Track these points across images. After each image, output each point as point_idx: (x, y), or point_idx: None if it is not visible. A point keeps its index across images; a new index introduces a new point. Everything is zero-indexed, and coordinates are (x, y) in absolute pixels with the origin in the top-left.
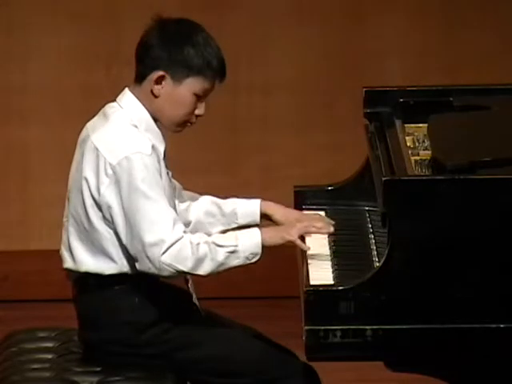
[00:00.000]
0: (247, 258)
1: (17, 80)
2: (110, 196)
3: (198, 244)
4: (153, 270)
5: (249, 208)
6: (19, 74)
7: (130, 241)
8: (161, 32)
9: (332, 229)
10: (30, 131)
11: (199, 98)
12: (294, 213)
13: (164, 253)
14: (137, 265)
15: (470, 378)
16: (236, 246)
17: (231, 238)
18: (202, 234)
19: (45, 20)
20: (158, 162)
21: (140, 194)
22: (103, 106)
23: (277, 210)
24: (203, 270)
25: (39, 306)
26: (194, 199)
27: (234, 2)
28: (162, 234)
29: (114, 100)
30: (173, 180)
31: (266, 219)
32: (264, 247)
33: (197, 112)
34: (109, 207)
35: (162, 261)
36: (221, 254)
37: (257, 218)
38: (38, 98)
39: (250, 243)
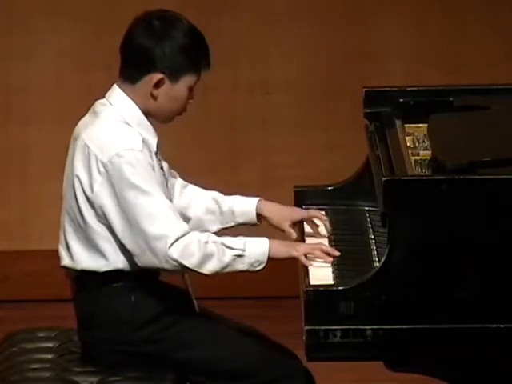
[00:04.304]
0: (252, 265)
1: (17, 80)
2: (102, 194)
3: (207, 242)
4: (155, 264)
5: (246, 207)
6: (19, 74)
7: (129, 237)
8: (149, 31)
9: (337, 253)
10: (30, 131)
11: (191, 89)
12: (288, 212)
13: (171, 246)
14: (137, 260)
15: (470, 378)
16: (244, 250)
17: (240, 243)
18: (209, 234)
19: (45, 20)
20: (151, 156)
21: (134, 189)
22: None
23: (271, 212)
24: (208, 268)
25: (39, 306)
26: (195, 195)
27: (234, 2)
28: (165, 228)
29: (103, 97)
30: (173, 173)
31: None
32: (269, 258)
33: (190, 101)
34: (102, 206)
35: (168, 254)
36: (228, 256)
37: (253, 218)
38: (38, 98)
39: (257, 251)
